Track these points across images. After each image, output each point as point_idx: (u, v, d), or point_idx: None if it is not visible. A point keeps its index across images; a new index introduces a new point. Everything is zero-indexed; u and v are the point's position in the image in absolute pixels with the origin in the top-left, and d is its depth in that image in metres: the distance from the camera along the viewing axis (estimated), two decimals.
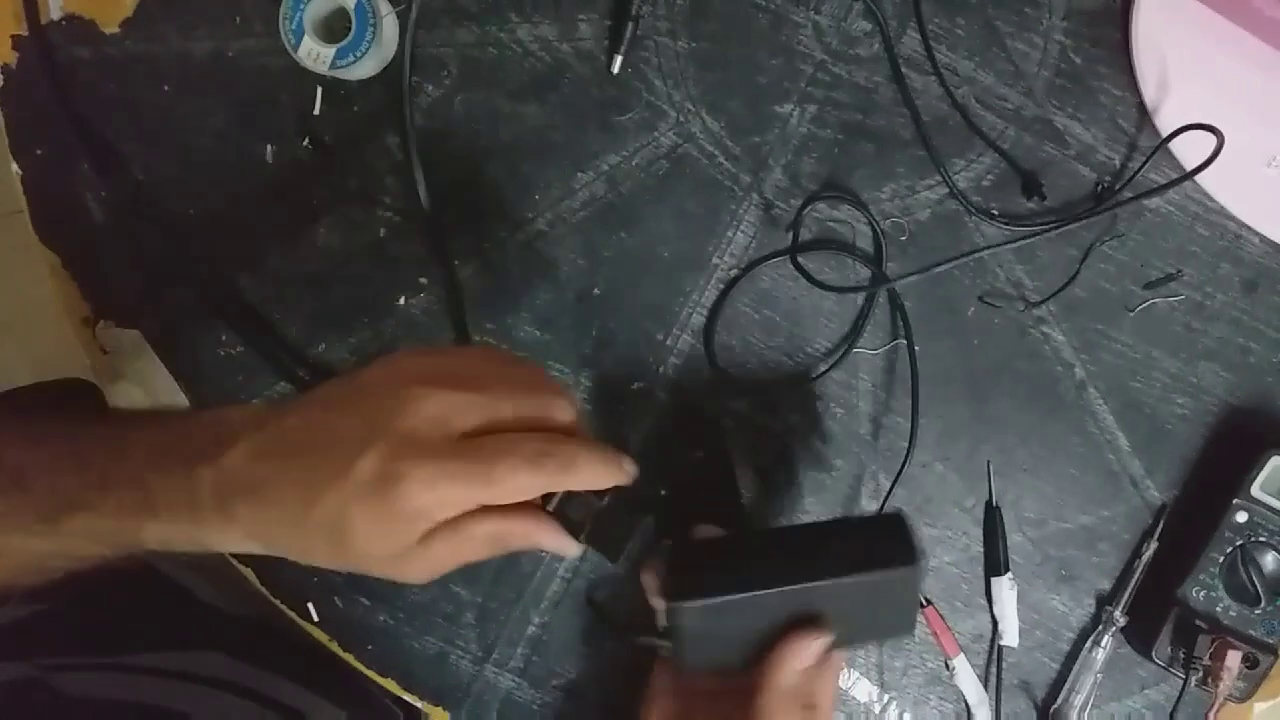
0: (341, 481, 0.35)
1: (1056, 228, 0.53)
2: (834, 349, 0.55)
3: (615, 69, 0.54)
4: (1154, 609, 0.53)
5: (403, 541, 0.36)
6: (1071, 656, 0.55)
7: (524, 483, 0.37)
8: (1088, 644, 0.55)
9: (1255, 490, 0.51)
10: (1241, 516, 0.51)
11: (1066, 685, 0.55)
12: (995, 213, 0.54)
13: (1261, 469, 0.51)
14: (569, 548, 0.40)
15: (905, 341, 0.55)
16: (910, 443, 0.54)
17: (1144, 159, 0.53)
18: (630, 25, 0.53)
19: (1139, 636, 0.54)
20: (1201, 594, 0.51)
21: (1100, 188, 0.54)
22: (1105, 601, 0.55)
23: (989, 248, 0.54)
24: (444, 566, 0.38)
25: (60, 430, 0.42)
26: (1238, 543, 0.51)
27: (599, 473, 0.38)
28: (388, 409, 0.36)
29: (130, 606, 0.64)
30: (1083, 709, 0.54)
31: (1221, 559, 0.51)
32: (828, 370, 0.55)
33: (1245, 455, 0.52)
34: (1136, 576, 0.54)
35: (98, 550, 0.41)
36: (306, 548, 0.38)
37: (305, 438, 0.37)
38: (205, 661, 0.60)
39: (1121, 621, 0.54)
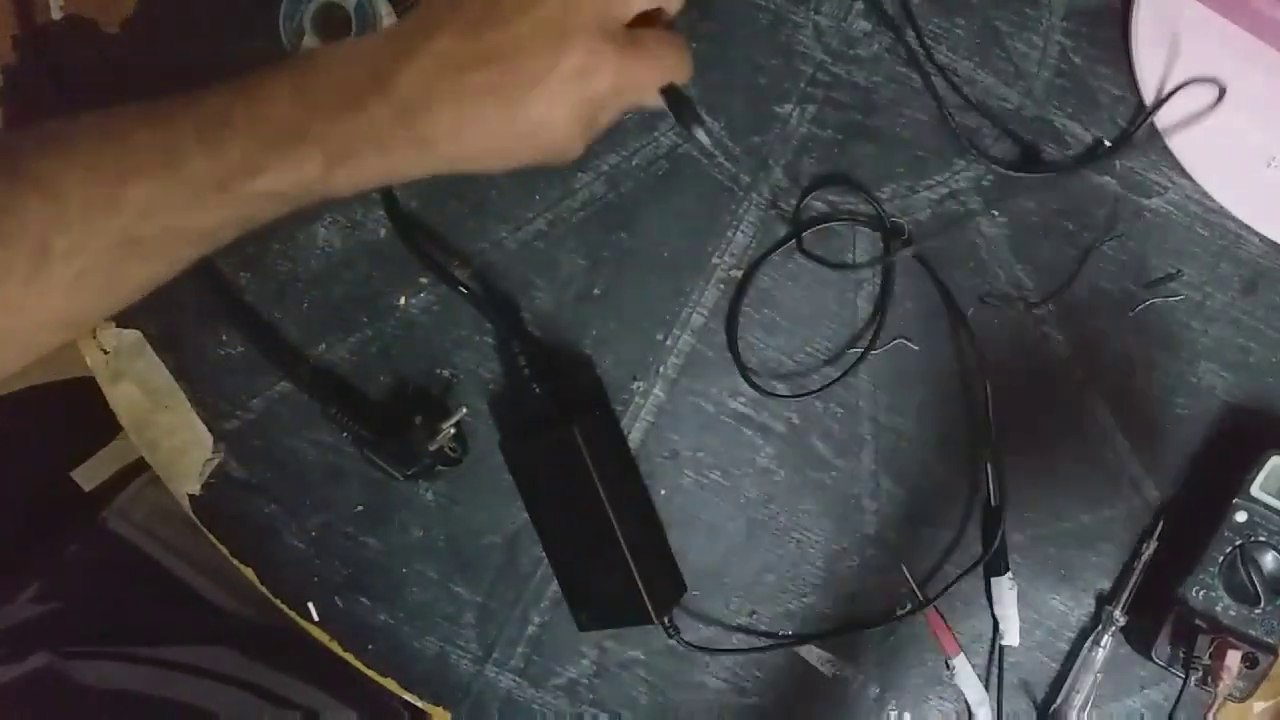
0: (545, 80, 0.38)
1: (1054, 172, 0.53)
2: (835, 349, 0.55)
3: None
4: (1154, 609, 0.53)
5: (588, 121, 0.40)
6: (1072, 656, 0.55)
7: (681, 68, 0.43)
8: (1087, 643, 0.55)
9: (1255, 490, 0.51)
10: (1241, 516, 0.51)
11: (1066, 685, 0.55)
12: (989, 180, 0.54)
13: (1261, 469, 0.51)
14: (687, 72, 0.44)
15: (906, 340, 0.55)
16: (990, 435, 0.54)
17: (1140, 120, 0.53)
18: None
19: (1139, 636, 0.54)
20: (1201, 594, 0.51)
21: (1097, 144, 0.53)
22: (1105, 601, 0.55)
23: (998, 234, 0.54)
24: (597, 136, 0.43)
25: (180, 106, 0.39)
26: (1237, 542, 0.51)
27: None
28: (561, 12, 0.38)
29: (141, 604, 0.64)
30: (1082, 708, 0.54)
31: (1221, 559, 0.51)
32: (841, 376, 0.55)
33: (1245, 455, 0.52)
34: (1136, 576, 0.54)
35: (276, 210, 0.40)
36: (502, 148, 0.40)
37: (486, 50, 0.38)
38: (217, 657, 0.60)
39: (1121, 621, 0.54)
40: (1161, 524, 0.54)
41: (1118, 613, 0.54)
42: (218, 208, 0.38)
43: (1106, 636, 0.54)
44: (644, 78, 0.41)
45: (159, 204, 0.37)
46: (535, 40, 0.38)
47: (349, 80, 0.38)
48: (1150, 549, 0.54)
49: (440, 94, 0.38)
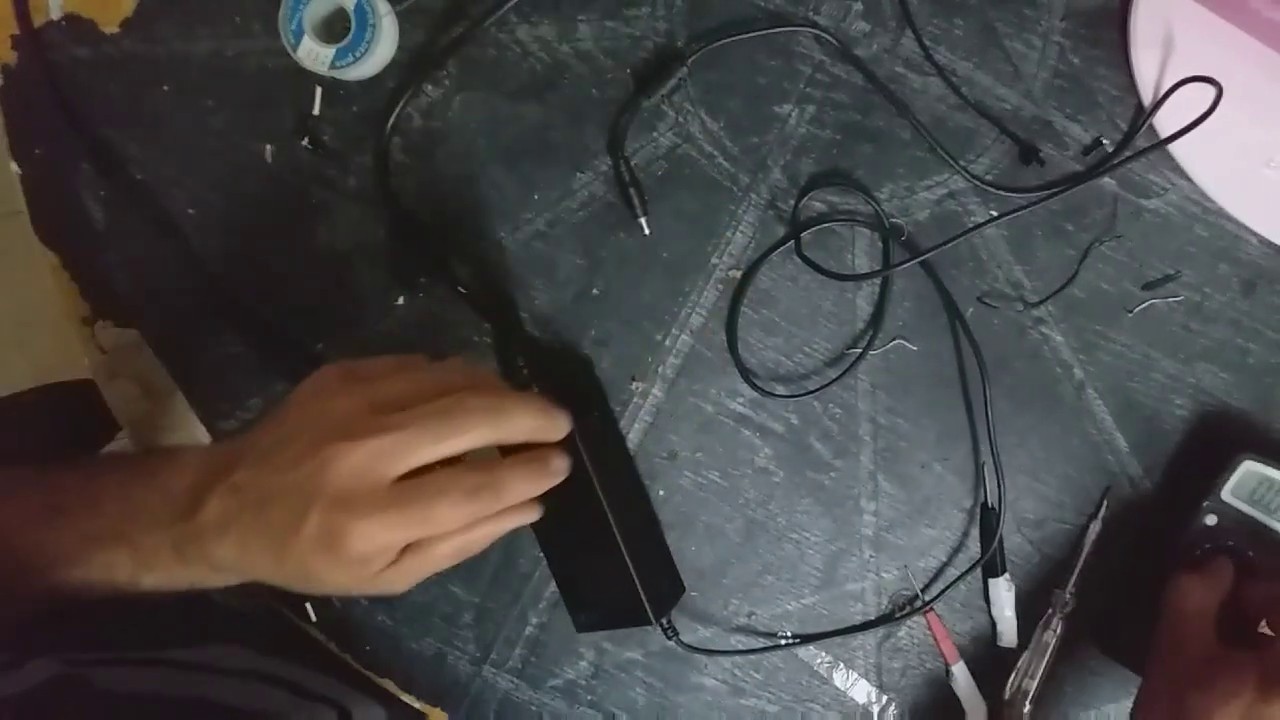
0: (295, 537, 0.37)
1: (1057, 192, 0.53)
2: (834, 349, 0.55)
3: (647, 230, 0.55)
4: (1133, 612, 0.53)
5: (365, 575, 0.39)
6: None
7: (464, 516, 0.39)
8: (1038, 627, 0.54)
9: (1225, 495, 0.51)
10: (1210, 520, 0.50)
11: (1019, 669, 0.54)
12: (990, 179, 0.54)
13: (1232, 473, 0.50)
14: (534, 515, 0.44)
15: (905, 341, 0.55)
16: (991, 440, 0.54)
17: (1140, 122, 0.53)
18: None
19: (1120, 639, 0.54)
20: None
21: (1094, 144, 0.53)
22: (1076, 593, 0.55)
23: (1010, 214, 0.54)
24: (419, 577, 0.41)
25: (53, 476, 0.43)
26: (1206, 546, 0.51)
27: (534, 480, 0.42)
28: (313, 472, 0.37)
29: (147, 605, 0.64)
30: (1036, 696, 0.53)
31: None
32: (840, 377, 0.55)
33: (1234, 457, 0.52)
34: (1082, 557, 0.54)
35: (99, 593, 0.42)
36: (289, 584, 0.40)
37: (258, 494, 0.39)
38: (236, 656, 0.59)
39: (1070, 604, 0.53)
40: (1105, 506, 0.54)
41: (1066, 594, 0.53)
42: (45, 576, 0.41)
43: (1056, 620, 0.54)
44: (421, 532, 0.39)
45: (25, 554, 0.41)
46: (286, 497, 0.38)
47: (168, 496, 0.40)
48: (1095, 531, 0.54)
49: (230, 526, 0.39)
